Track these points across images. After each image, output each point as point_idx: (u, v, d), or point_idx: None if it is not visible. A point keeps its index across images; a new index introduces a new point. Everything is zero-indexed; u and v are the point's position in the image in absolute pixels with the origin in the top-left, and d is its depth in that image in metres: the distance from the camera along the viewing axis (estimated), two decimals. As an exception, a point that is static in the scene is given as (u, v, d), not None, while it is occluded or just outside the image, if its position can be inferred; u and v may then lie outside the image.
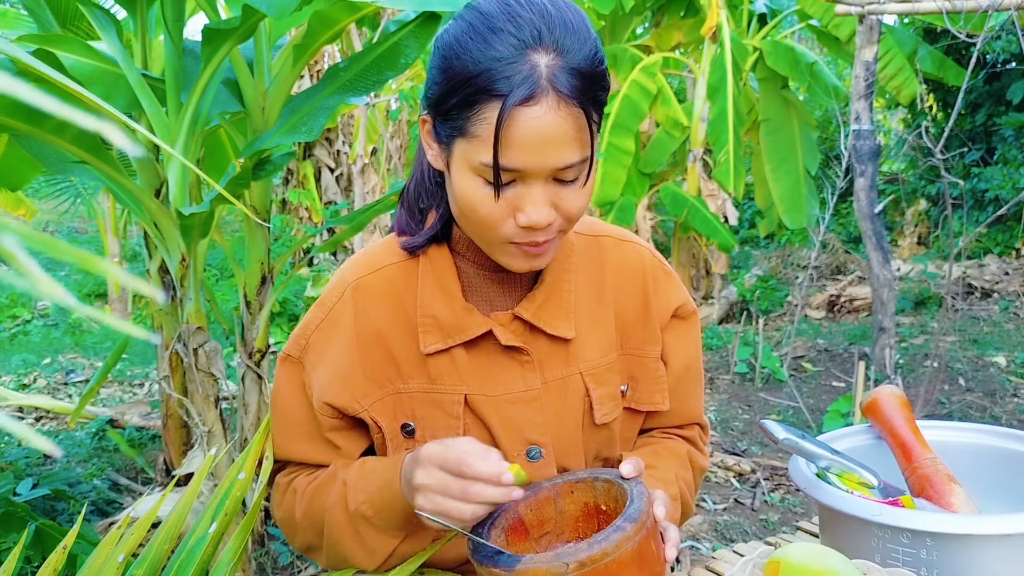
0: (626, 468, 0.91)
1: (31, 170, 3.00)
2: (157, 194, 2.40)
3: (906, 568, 0.94)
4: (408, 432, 1.03)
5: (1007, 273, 6.97)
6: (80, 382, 4.48)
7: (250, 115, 2.57)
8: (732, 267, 8.21)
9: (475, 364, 1.03)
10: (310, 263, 7.17)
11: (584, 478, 0.94)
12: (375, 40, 2.37)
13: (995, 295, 6.59)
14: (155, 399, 3.86)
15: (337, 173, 8.66)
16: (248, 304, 2.68)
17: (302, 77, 7.33)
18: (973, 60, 3.78)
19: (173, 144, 2.37)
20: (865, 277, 7.30)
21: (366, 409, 1.02)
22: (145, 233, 2.72)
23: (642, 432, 1.20)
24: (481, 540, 0.85)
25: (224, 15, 2.68)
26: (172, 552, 1.12)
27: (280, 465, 1.11)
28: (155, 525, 2.11)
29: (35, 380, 4.47)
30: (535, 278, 1.06)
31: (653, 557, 0.84)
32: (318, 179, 8.54)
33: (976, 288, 6.68)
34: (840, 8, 4.59)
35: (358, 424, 1.05)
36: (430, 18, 2.27)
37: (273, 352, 2.69)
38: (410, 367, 1.02)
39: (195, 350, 2.46)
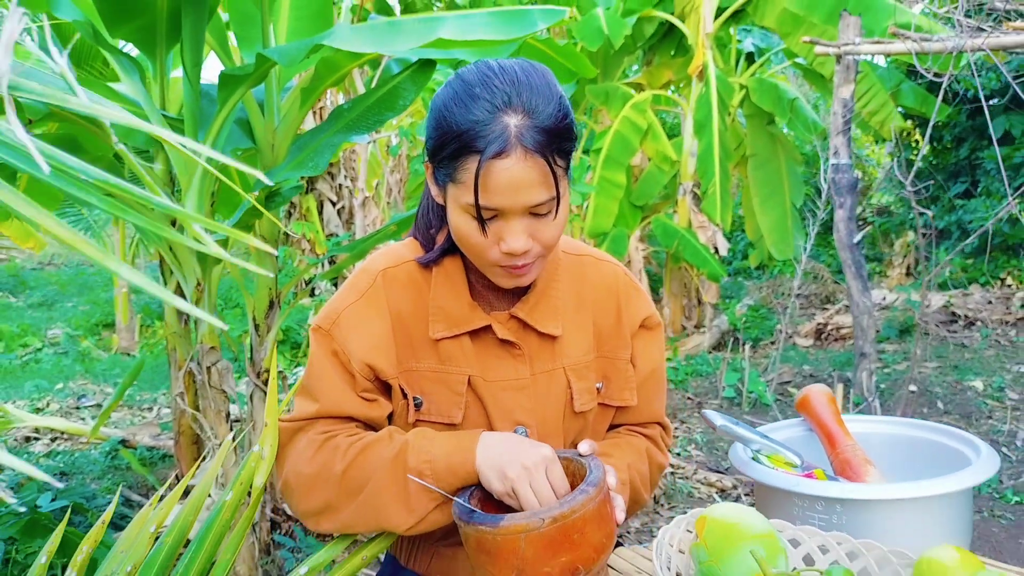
0: (583, 447, 1.12)
1: (51, 203, 3.21)
2: (174, 223, 2.59)
3: (819, 529, 1.12)
4: (417, 404, 1.21)
5: (990, 302, 7.16)
6: (91, 406, 4.66)
7: (260, 152, 2.78)
8: (724, 297, 8.41)
9: (478, 352, 1.22)
10: (312, 293, 7.36)
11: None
12: (375, 83, 2.59)
13: (979, 323, 6.77)
14: (164, 421, 4.03)
15: (339, 206, 8.88)
16: (257, 327, 2.87)
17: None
18: (940, 96, 4.01)
19: (191, 178, 2.57)
20: (859, 318, 7.49)
21: (396, 376, 1.20)
22: (161, 259, 2.92)
23: (611, 428, 1.39)
24: (468, 505, 1.04)
25: (236, 58, 2.90)
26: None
27: (311, 420, 1.22)
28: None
29: (48, 404, 4.65)
30: (528, 286, 1.25)
31: (609, 517, 1.03)
32: (320, 212, 8.76)
33: (960, 316, 6.87)
34: (819, 49, 4.84)
35: (385, 390, 1.22)
36: (425, 64, 2.48)
37: (280, 372, 2.87)
38: (423, 349, 1.21)
39: (208, 368, 2.64)
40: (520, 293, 1.25)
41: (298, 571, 1.25)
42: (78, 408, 4.60)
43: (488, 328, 1.21)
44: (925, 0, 5.47)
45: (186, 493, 2.70)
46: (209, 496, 2.58)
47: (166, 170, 2.86)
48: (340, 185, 8.88)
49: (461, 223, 1.09)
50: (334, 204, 8.90)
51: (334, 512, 1.17)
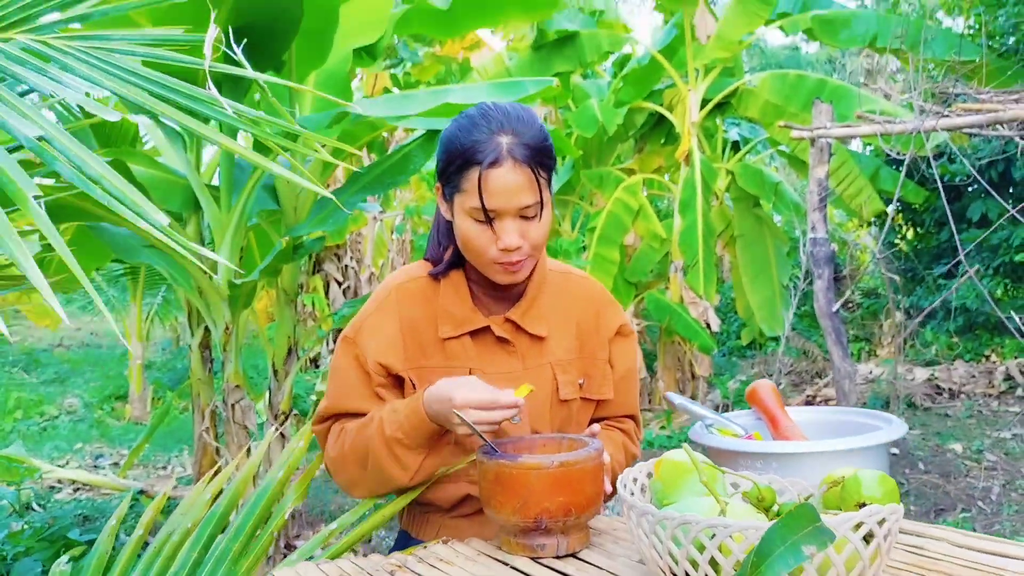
0: (593, 428, 1.44)
1: (95, 260, 3.52)
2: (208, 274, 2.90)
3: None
4: None
5: (973, 376, 7.40)
6: (109, 464, 4.88)
7: (284, 213, 3.11)
8: (717, 374, 8.65)
9: (478, 350, 1.49)
10: (316, 365, 7.62)
11: (553, 436, 1.40)
12: (389, 152, 2.94)
13: (962, 396, 7.00)
14: (181, 476, 4.25)
15: (345, 286, 9.23)
16: (276, 372, 3.14)
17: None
18: (902, 176, 4.37)
19: (223, 235, 2.89)
20: (842, 383, 7.73)
21: (407, 371, 1.46)
22: (188, 314, 3.21)
23: (594, 421, 1.65)
24: (493, 446, 1.30)
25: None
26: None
27: (333, 421, 1.50)
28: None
29: (67, 463, 4.86)
30: (520, 296, 1.54)
31: (600, 479, 1.30)
32: (327, 292, 9.10)
33: (944, 389, 7.11)
34: (795, 133, 5.24)
35: (398, 384, 1.49)
36: (433, 134, 2.83)
37: (295, 414, 3.13)
38: (432, 349, 1.48)
39: (232, 405, 2.90)
40: (513, 300, 1.54)
41: (329, 527, 1.50)
42: (96, 467, 4.82)
43: (487, 329, 1.49)
44: (889, 85, 5.92)
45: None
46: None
47: (197, 231, 3.19)
48: (346, 266, 9.26)
49: (465, 227, 1.38)
50: (340, 284, 9.26)
51: (357, 483, 1.46)
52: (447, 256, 1.53)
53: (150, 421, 6.33)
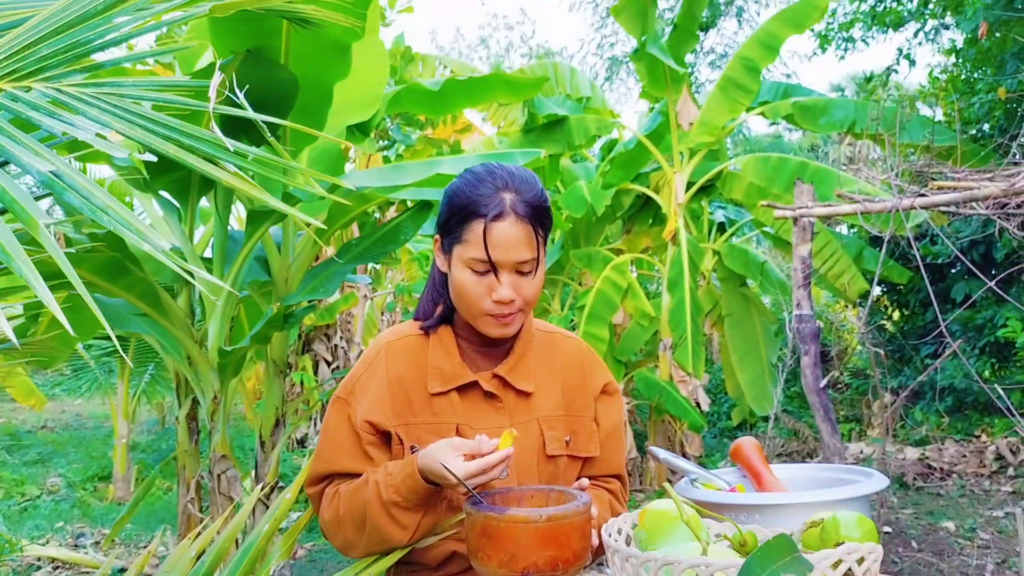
0: (582, 482, 1.45)
1: (81, 334, 3.53)
2: (201, 342, 2.92)
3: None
4: (413, 451, 1.50)
5: (964, 455, 7.38)
6: (91, 544, 4.78)
7: (275, 284, 3.15)
8: (708, 454, 8.60)
9: (465, 406, 1.51)
10: (303, 445, 7.54)
11: (542, 488, 1.41)
12: (380, 223, 3.00)
13: (954, 475, 6.97)
14: (163, 555, 4.16)
15: (334, 366, 9.20)
16: (263, 444, 3.13)
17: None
18: (882, 254, 4.46)
19: (215, 305, 2.92)
20: (831, 460, 7.69)
21: (394, 427, 1.48)
22: (177, 385, 3.22)
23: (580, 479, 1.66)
24: (480, 497, 1.31)
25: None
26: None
27: (327, 483, 1.52)
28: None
29: (47, 542, 4.76)
30: (508, 353, 1.57)
31: (588, 534, 1.30)
32: (316, 371, 9.07)
33: (935, 468, 7.07)
34: (777, 213, 5.35)
35: (386, 441, 1.50)
36: (424, 206, 2.90)
37: (280, 486, 3.10)
38: (419, 405, 1.50)
39: (219, 476, 2.88)
40: (501, 357, 1.57)
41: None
42: (77, 547, 4.72)
43: (475, 384, 1.52)
44: (868, 169, 6.08)
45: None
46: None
47: (188, 302, 3.22)
48: (336, 346, 9.26)
49: (462, 278, 1.43)
50: (329, 364, 9.23)
51: (354, 545, 1.47)
52: (439, 312, 1.57)
53: (132, 498, 6.24)
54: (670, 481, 7.41)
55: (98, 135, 0.78)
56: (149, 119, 0.79)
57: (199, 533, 1.58)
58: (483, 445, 1.33)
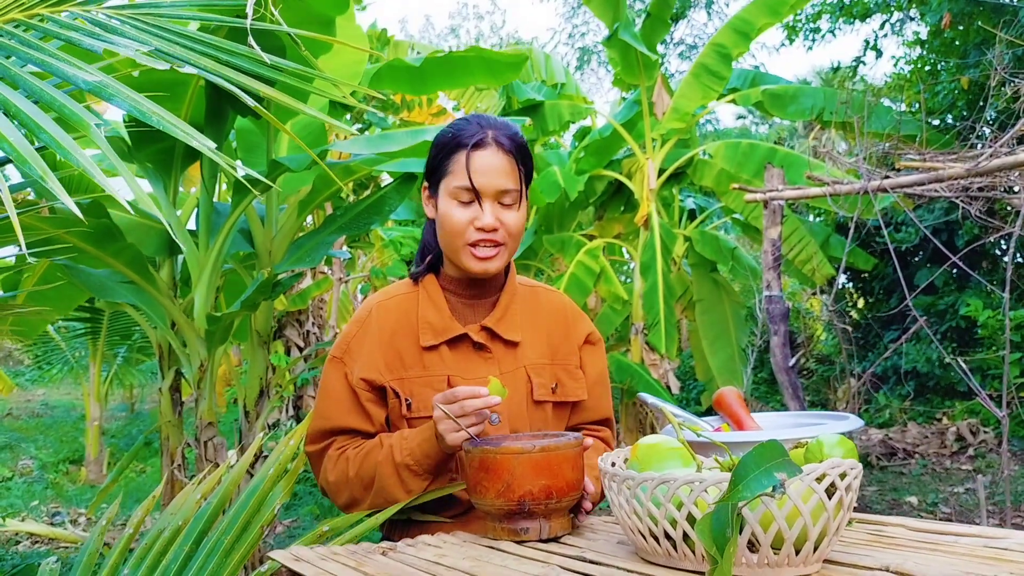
0: (586, 442, 1.49)
1: (58, 308, 3.54)
2: (186, 312, 2.95)
3: (725, 465, 1.45)
4: (408, 406, 1.56)
5: (926, 437, 7.58)
6: (68, 522, 4.76)
7: (259, 256, 3.18)
8: (678, 438, 8.73)
9: (455, 358, 1.57)
10: (274, 428, 7.56)
11: (536, 434, 1.47)
12: (365, 195, 3.04)
13: (916, 456, 7.16)
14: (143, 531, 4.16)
15: (306, 353, 9.19)
16: (247, 414, 3.16)
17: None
18: (850, 237, 4.58)
19: (201, 274, 2.95)
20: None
21: (388, 382, 1.54)
22: (160, 356, 3.23)
23: (569, 429, 1.73)
24: (475, 437, 1.37)
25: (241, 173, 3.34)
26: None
27: (328, 443, 1.57)
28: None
29: (24, 519, 4.74)
30: (494, 305, 1.63)
31: (580, 467, 1.36)
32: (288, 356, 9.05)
33: (898, 449, 7.26)
34: (748, 196, 5.47)
35: (382, 397, 1.56)
36: (408, 177, 2.95)
37: (264, 456, 3.13)
38: (411, 360, 1.56)
39: (205, 443, 2.91)
40: (487, 310, 1.63)
41: (320, 528, 1.55)
42: (53, 524, 4.70)
43: (464, 337, 1.58)
44: (836, 155, 6.23)
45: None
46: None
47: (170, 274, 3.24)
48: (308, 331, 9.24)
49: (448, 211, 1.49)
50: (301, 350, 9.22)
51: (358, 503, 1.53)
52: (427, 261, 1.63)
53: (107, 480, 6.21)
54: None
55: (86, 107, 0.81)
56: (186, 36, 0.84)
57: (200, 481, 1.62)
58: (459, 391, 1.39)
